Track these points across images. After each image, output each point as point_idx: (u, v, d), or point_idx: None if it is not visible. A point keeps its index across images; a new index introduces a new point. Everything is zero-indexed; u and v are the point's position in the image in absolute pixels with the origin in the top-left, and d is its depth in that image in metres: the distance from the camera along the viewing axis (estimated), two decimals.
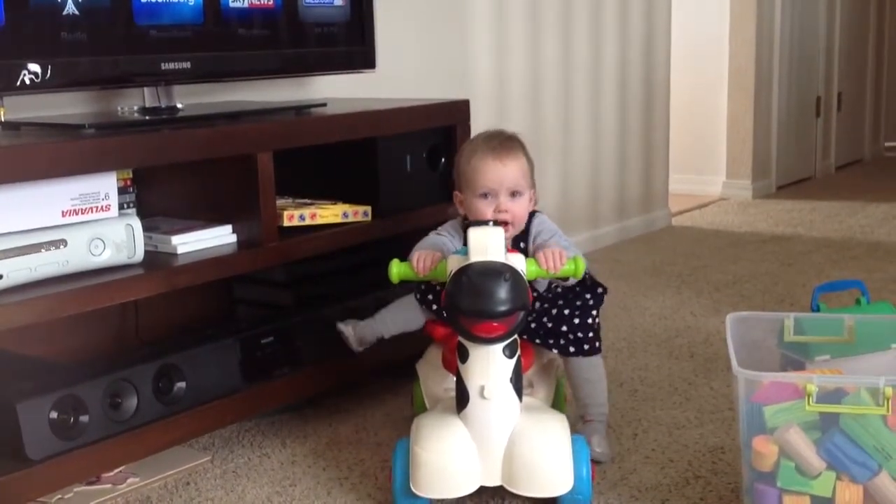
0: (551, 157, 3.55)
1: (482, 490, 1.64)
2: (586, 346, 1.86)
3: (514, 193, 1.77)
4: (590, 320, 1.85)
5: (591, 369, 1.89)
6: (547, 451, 1.60)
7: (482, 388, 1.58)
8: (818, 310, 2.17)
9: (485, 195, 1.76)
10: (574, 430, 1.72)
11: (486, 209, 1.76)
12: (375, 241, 2.14)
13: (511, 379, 1.60)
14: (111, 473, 1.82)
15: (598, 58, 3.74)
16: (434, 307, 1.88)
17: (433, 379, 1.88)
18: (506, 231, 1.68)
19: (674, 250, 3.78)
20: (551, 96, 3.53)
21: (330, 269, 2.19)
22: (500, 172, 1.75)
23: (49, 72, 1.70)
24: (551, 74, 3.52)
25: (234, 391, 1.86)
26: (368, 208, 2.12)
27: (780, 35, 5.04)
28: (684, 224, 4.32)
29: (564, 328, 1.85)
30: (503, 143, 1.80)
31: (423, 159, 2.26)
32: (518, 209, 1.77)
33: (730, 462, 1.87)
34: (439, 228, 1.87)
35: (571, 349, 1.86)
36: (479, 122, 2.28)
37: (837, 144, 5.88)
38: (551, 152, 3.56)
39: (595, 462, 1.79)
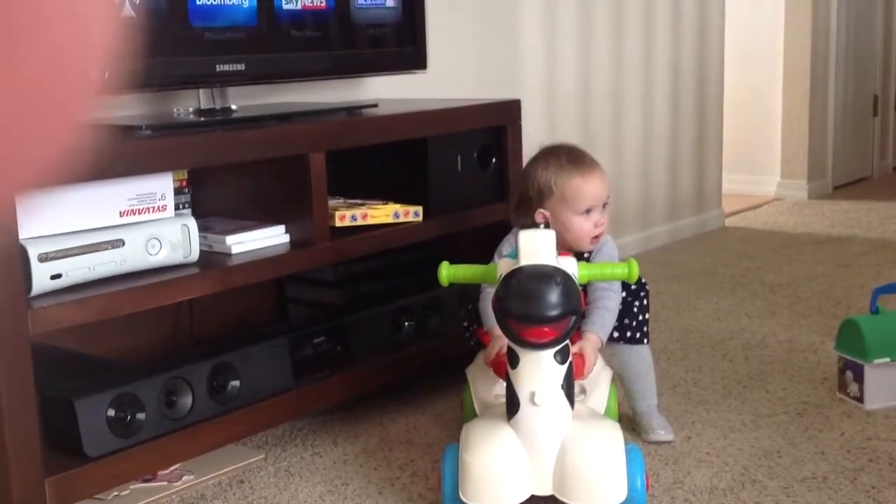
0: (602, 156, 3.49)
1: (532, 499, 1.61)
2: (637, 335, 1.90)
3: (604, 206, 1.85)
4: (634, 310, 1.89)
5: (640, 361, 1.94)
6: (600, 459, 1.57)
7: (533, 395, 1.55)
8: (877, 312, 2.13)
9: (587, 211, 1.82)
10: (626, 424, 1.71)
11: (588, 224, 1.82)
12: (426, 241, 2.14)
13: (562, 385, 1.57)
14: (167, 471, 1.84)
15: (649, 55, 3.71)
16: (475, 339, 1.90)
17: (483, 384, 1.85)
18: (598, 241, 1.83)
19: (727, 251, 3.73)
20: (602, 95, 3.51)
21: (381, 269, 2.20)
22: (600, 187, 1.84)
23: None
24: (602, 73, 3.50)
25: (286, 390, 1.87)
26: (419, 208, 2.12)
27: (836, 32, 4.96)
28: (738, 225, 4.27)
29: None
30: (590, 158, 1.88)
31: (474, 159, 2.26)
32: (607, 221, 1.86)
33: (786, 466, 1.84)
34: (502, 248, 1.87)
35: (616, 334, 1.88)
36: (530, 122, 2.27)
37: (895, 144, 5.76)
38: (602, 152, 3.53)
39: (664, 443, 1.91)
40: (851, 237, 3.93)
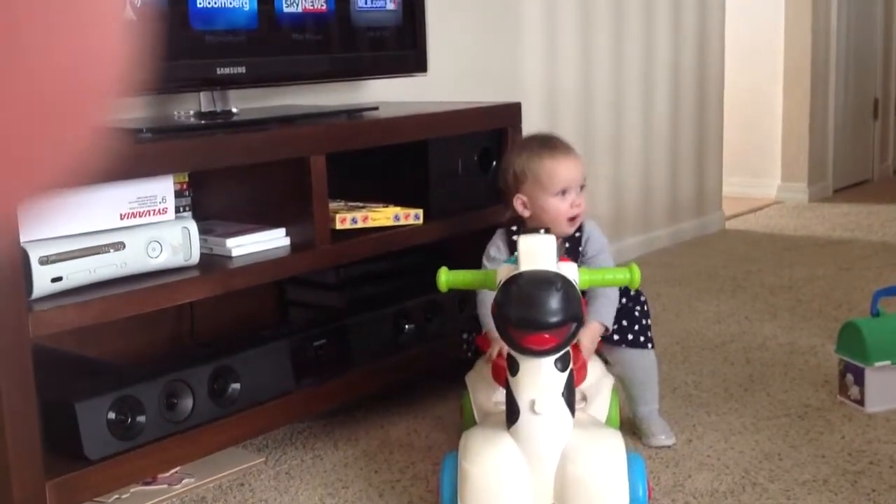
0: (603, 159, 3.53)
1: None
2: (641, 339, 1.90)
3: (581, 188, 1.85)
4: (637, 314, 1.90)
5: (644, 365, 1.94)
6: (601, 468, 1.54)
7: (533, 403, 1.52)
8: (878, 315, 2.13)
9: (563, 192, 1.82)
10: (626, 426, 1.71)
11: (564, 205, 1.82)
12: (427, 244, 2.14)
13: (563, 393, 1.54)
14: (167, 474, 1.84)
15: (650, 58, 3.71)
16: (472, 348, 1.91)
17: (483, 392, 1.82)
18: (575, 222, 1.83)
19: (728, 254, 3.73)
20: (602, 98, 3.51)
21: (381, 272, 2.20)
22: (573, 169, 1.84)
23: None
24: (603, 76, 3.50)
25: (287, 392, 1.87)
26: (420, 211, 2.12)
27: (836, 34, 4.96)
28: (738, 228, 4.27)
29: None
30: (562, 143, 1.89)
31: (475, 162, 2.26)
32: (584, 203, 1.86)
33: (787, 469, 1.84)
34: (489, 251, 1.88)
35: (616, 337, 1.88)
36: (531, 125, 2.27)
37: (895, 147, 5.77)
38: (603, 155, 3.53)
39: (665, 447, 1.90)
40: (852, 240, 3.93)
